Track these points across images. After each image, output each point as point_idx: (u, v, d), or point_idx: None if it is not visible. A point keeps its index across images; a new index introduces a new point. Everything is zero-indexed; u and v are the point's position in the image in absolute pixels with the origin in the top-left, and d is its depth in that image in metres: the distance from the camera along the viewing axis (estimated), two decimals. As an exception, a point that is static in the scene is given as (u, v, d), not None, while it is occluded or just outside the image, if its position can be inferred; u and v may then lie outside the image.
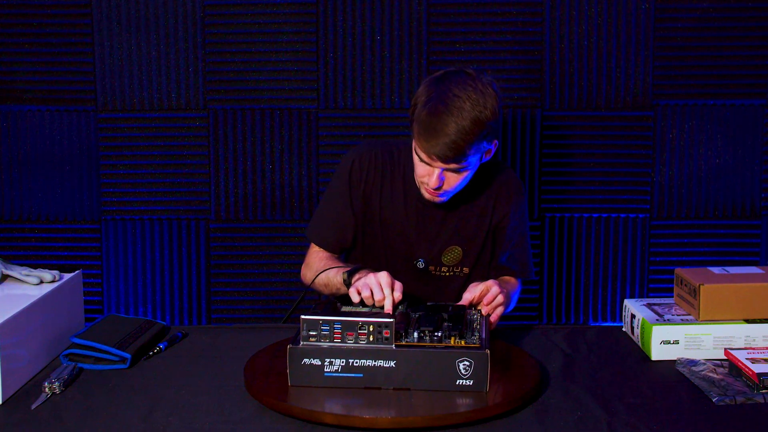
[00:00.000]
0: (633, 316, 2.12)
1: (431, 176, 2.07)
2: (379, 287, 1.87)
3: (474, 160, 2.07)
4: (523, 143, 2.91)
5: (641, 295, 2.96)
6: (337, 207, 2.25)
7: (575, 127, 2.91)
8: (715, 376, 1.87)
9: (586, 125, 2.90)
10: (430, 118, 2.00)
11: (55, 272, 2.14)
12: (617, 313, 2.97)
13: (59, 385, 1.82)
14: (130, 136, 2.94)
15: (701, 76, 2.88)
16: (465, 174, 2.10)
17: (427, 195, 2.14)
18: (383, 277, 1.89)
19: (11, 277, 2.12)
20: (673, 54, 2.87)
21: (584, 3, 2.84)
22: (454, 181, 2.09)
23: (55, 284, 2.10)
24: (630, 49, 2.86)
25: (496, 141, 2.13)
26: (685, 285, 2.11)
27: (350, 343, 1.75)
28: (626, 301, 2.19)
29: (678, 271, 2.17)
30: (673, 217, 2.94)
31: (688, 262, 2.89)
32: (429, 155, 2.03)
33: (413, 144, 2.09)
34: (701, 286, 2.03)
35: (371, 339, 1.75)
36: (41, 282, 2.10)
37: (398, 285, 1.89)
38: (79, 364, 1.95)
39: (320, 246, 2.28)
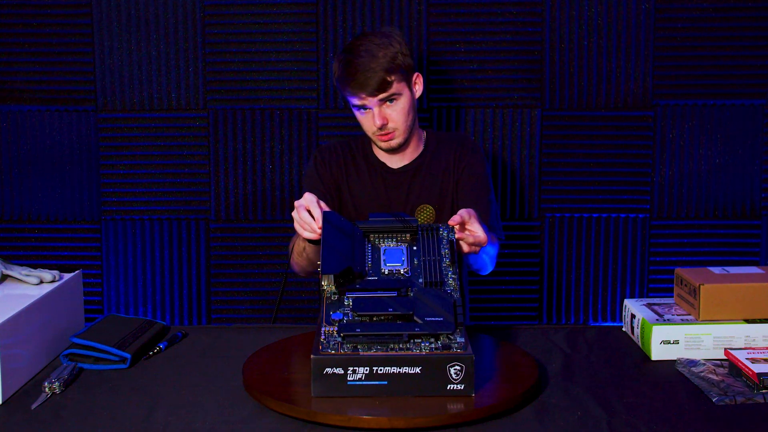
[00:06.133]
0: (633, 316, 2.12)
1: (374, 117, 2.26)
2: (299, 212, 1.96)
3: (401, 87, 2.27)
4: (522, 143, 2.91)
5: (641, 295, 2.96)
6: None
7: (575, 127, 2.91)
8: (714, 376, 1.87)
9: (586, 125, 2.91)
10: (347, 64, 2.25)
11: (55, 272, 2.14)
12: (617, 313, 2.97)
13: (59, 385, 1.82)
14: (130, 136, 2.94)
15: (701, 76, 2.88)
16: (401, 104, 2.29)
17: (383, 143, 2.34)
18: (303, 199, 1.98)
19: (11, 277, 2.12)
20: (673, 54, 2.87)
21: (584, 3, 2.84)
22: (395, 115, 2.28)
23: (55, 284, 2.10)
24: (630, 49, 2.86)
25: (418, 73, 2.35)
26: (685, 285, 2.11)
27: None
28: (626, 301, 2.19)
29: (678, 271, 2.17)
30: (673, 217, 2.94)
31: (688, 262, 2.89)
32: (359, 94, 2.25)
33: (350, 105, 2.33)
34: (701, 286, 2.03)
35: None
36: (41, 282, 2.10)
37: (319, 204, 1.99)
38: (79, 364, 1.95)
39: None
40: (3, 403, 1.78)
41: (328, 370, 1.72)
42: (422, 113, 2.88)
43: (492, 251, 2.31)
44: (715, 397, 1.76)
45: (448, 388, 1.72)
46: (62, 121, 2.94)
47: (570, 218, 2.95)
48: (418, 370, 1.72)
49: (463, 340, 1.75)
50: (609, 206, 2.94)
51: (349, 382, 1.72)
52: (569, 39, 2.87)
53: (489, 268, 2.38)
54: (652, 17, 2.85)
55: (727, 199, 2.93)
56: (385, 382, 1.72)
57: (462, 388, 1.71)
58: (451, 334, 1.77)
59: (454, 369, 1.71)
